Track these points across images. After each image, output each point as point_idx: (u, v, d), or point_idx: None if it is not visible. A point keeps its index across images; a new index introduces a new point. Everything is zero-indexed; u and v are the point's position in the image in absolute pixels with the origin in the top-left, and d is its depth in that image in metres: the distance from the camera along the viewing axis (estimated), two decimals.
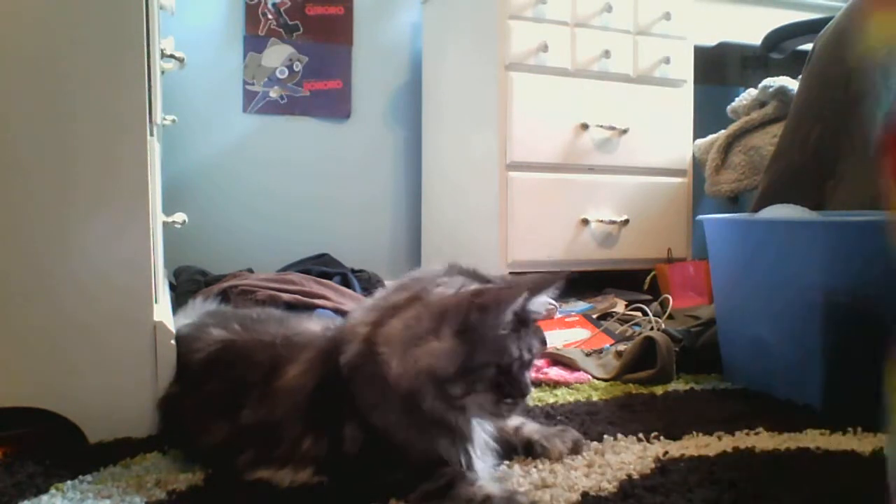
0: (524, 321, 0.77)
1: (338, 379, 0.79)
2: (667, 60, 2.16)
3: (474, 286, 0.77)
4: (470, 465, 0.78)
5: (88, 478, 0.83)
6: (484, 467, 0.80)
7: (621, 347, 1.44)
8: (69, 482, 0.82)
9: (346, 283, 1.98)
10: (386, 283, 0.82)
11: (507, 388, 0.75)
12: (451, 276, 0.80)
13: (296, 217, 2.44)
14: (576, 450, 0.91)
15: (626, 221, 2.10)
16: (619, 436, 0.97)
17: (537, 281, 0.77)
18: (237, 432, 0.83)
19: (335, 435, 0.78)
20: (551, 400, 1.18)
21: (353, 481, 0.78)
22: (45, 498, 0.78)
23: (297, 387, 0.82)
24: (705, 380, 1.31)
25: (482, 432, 0.82)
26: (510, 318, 0.75)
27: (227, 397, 0.86)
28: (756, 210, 1.41)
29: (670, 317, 1.75)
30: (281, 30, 2.41)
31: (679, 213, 2.22)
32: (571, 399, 1.18)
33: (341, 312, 1.46)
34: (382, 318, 0.78)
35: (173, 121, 1.87)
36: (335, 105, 2.48)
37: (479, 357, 0.73)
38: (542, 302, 0.80)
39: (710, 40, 2.32)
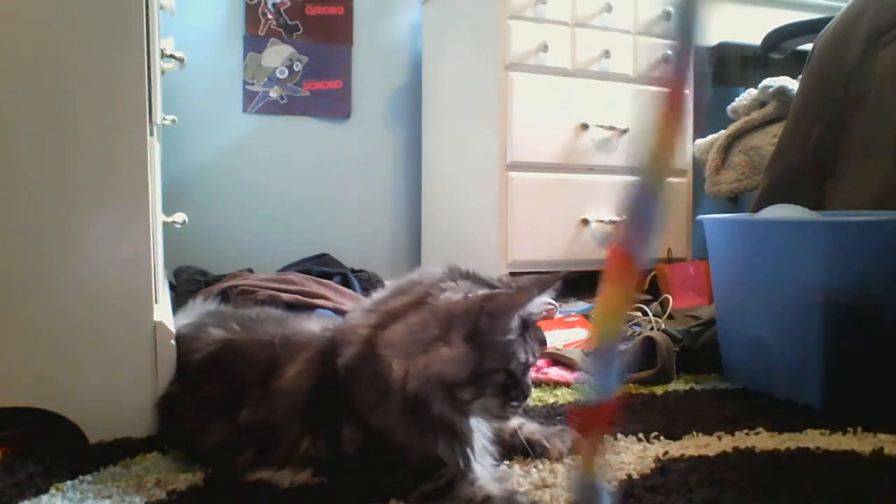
0: (526, 323, 0.77)
1: (335, 380, 0.78)
2: (667, 60, 2.16)
3: (482, 291, 0.76)
4: (468, 466, 0.78)
5: (88, 478, 0.83)
6: (483, 467, 0.80)
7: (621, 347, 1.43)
8: (69, 482, 0.82)
9: (346, 283, 1.98)
10: (386, 283, 0.82)
11: (513, 391, 0.76)
12: (455, 280, 0.79)
13: (296, 217, 2.43)
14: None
15: None
16: (619, 436, 0.97)
17: (541, 282, 0.77)
18: (236, 432, 0.83)
19: (333, 436, 0.78)
20: (551, 400, 1.18)
21: (352, 482, 0.78)
22: (45, 498, 0.78)
23: (295, 388, 0.81)
24: (705, 380, 1.31)
25: (480, 433, 0.82)
26: (518, 323, 0.75)
27: (226, 397, 0.86)
28: (756, 210, 1.41)
29: (670, 317, 1.75)
30: (281, 30, 2.41)
31: (679, 213, 2.21)
32: (571, 399, 1.18)
33: (341, 312, 1.46)
34: (384, 321, 0.78)
35: (173, 121, 1.87)
36: (335, 105, 2.48)
37: (489, 363, 0.73)
38: (541, 302, 0.80)
39: (710, 40, 2.31)
